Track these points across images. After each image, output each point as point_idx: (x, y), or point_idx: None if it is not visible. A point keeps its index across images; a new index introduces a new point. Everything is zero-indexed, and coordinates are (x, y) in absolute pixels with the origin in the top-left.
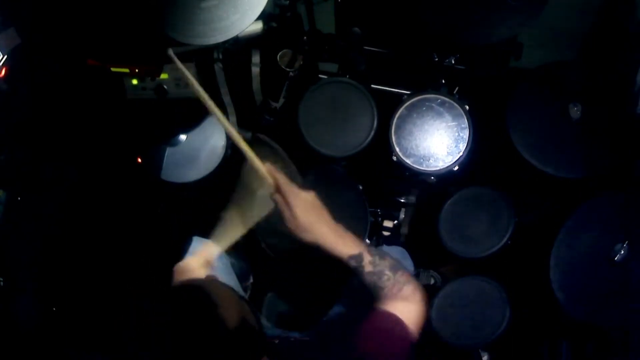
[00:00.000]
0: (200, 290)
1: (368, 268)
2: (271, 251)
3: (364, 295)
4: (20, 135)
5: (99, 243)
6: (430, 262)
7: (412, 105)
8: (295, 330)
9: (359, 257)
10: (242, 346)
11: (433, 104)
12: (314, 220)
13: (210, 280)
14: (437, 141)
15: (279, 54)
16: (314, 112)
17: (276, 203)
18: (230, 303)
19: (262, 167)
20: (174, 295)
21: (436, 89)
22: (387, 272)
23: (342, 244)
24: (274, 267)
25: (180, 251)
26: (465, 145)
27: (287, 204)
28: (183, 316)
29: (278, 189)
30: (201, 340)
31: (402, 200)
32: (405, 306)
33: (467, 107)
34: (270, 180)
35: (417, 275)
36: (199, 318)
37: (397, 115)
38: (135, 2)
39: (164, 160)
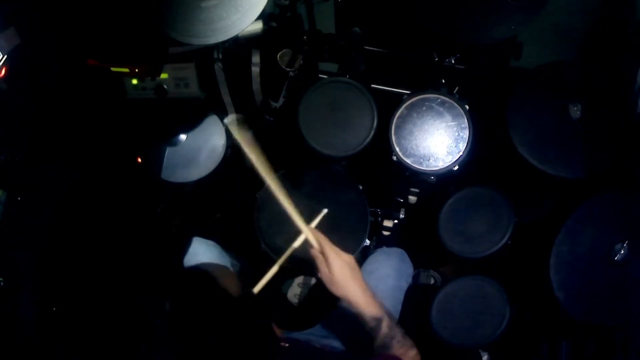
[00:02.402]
0: (211, 289)
1: (384, 330)
2: (272, 252)
3: None
4: (20, 135)
5: (99, 243)
6: (430, 262)
7: (412, 105)
8: (295, 331)
9: (379, 319)
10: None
11: (433, 104)
12: (349, 279)
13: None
14: (437, 141)
15: (279, 54)
16: (314, 112)
17: (315, 259)
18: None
19: (306, 230)
20: (185, 294)
21: (436, 89)
22: (399, 337)
23: (368, 304)
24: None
25: (181, 251)
26: (465, 145)
27: (327, 262)
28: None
29: (320, 248)
30: (210, 341)
31: (402, 200)
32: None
33: (467, 107)
34: (314, 241)
35: (417, 275)
36: (209, 319)
37: (397, 115)
38: (135, 2)
39: (164, 160)
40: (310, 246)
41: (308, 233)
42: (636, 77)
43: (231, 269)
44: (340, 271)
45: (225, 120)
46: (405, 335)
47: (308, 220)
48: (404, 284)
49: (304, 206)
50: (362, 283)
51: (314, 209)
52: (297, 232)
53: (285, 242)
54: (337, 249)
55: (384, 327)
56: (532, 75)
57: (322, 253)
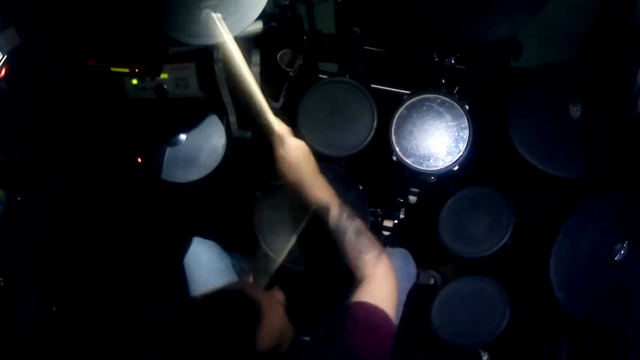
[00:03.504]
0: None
1: (333, 220)
2: (272, 252)
3: None
4: (20, 135)
5: (99, 243)
6: (430, 262)
7: (412, 105)
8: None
9: (327, 206)
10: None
11: (433, 104)
12: (302, 163)
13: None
14: (437, 141)
15: (279, 54)
16: (314, 112)
17: (273, 143)
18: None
19: (269, 111)
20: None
21: (436, 89)
22: (351, 233)
23: (317, 189)
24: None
25: (181, 251)
26: (465, 145)
27: (283, 143)
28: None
29: (278, 132)
30: (210, 341)
31: (402, 200)
32: (377, 289)
33: (467, 107)
34: (274, 123)
35: (417, 275)
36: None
37: (397, 115)
38: (135, 2)
39: (164, 160)
40: (271, 131)
41: (272, 118)
42: (636, 77)
43: (231, 268)
44: (295, 152)
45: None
46: (359, 232)
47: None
48: (407, 285)
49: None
50: (314, 167)
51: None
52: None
53: (284, 242)
54: (291, 133)
55: (332, 217)
56: (532, 75)
57: (279, 135)
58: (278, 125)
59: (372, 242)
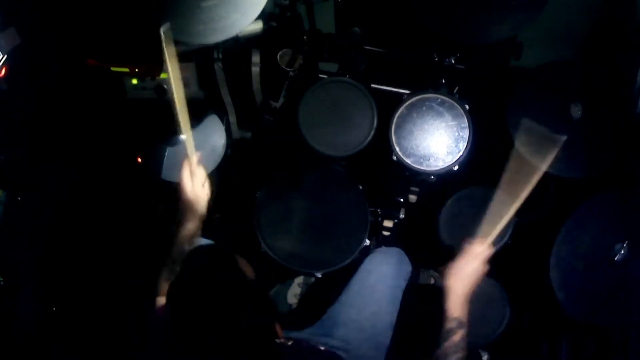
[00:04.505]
0: (217, 281)
1: (457, 338)
2: (272, 252)
3: (362, 295)
4: (20, 135)
5: (99, 243)
6: (430, 262)
7: (412, 104)
8: (295, 330)
9: (461, 325)
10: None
11: (433, 104)
12: (470, 278)
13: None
14: (437, 141)
15: (279, 53)
16: (314, 112)
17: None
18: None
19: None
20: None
21: (436, 89)
22: (462, 353)
23: (462, 308)
24: (274, 268)
25: None
26: (465, 144)
27: (473, 258)
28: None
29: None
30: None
31: (402, 200)
32: None
33: (467, 107)
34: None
35: (417, 275)
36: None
37: (397, 115)
38: (135, 2)
39: (164, 160)
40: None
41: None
42: (636, 77)
43: None
44: (473, 270)
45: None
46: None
47: None
48: (403, 283)
49: (304, 206)
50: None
51: (313, 209)
52: None
53: (285, 242)
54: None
55: (460, 335)
56: (532, 75)
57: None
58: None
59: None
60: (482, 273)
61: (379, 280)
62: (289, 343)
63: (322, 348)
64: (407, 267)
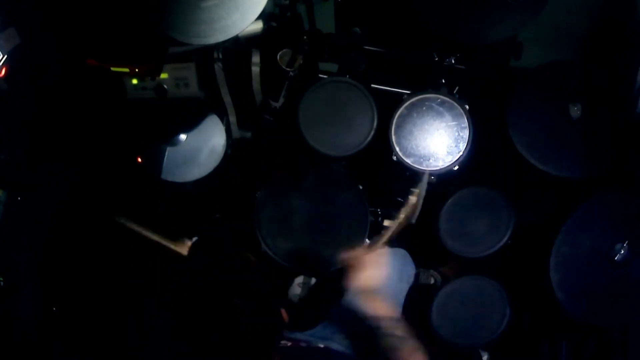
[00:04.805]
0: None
1: (398, 332)
2: (272, 252)
3: None
4: (20, 135)
5: (99, 243)
6: (430, 262)
7: (412, 104)
8: (295, 331)
9: (392, 321)
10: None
11: (433, 104)
12: (378, 284)
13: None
14: (437, 141)
15: (279, 54)
16: (314, 112)
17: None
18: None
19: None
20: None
21: (436, 89)
22: (411, 340)
23: (380, 303)
24: (274, 267)
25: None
26: (465, 145)
27: (377, 261)
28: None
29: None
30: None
31: (402, 200)
32: None
33: (467, 107)
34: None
35: (417, 275)
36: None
37: (397, 115)
38: (135, 2)
39: (164, 160)
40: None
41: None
42: (636, 77)
43: None
44: (377, 279)
45: None
46: (415, 339)
47: None
48: (406, 285)
49: (304, 206)
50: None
51: (313, 209)
52: None
53: (285, 241)
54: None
55: (398, 328)
56: (532, 75)
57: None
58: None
59: (420, 348)
60: (380, 275)
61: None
62: (289, 344)
63: (322, 345)
64: (411, 270)
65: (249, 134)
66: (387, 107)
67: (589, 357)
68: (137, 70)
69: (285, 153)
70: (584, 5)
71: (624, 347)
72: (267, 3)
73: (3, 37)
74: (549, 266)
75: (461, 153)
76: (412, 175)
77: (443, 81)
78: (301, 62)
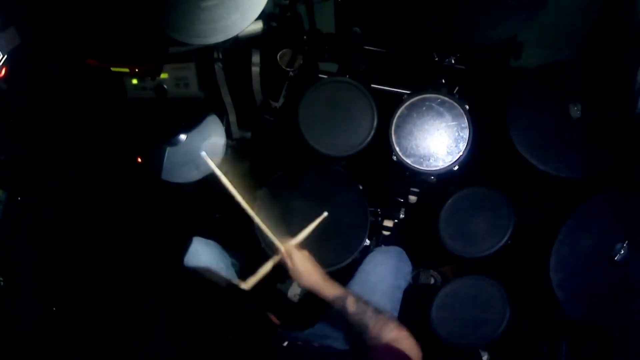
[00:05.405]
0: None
1: (352, 308)
2: (272, 252)
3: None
4: (20, 135)
5: (99, 243)
6: (430, 262)
7: (412, 105)
8: (295, 330)
9: (343, 298)
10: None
11: (433, 104)
12: (311, 270)
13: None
14: (437, 141)
15: (279, 54)
16: (314, 112)
17: (282, 259)
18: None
19: (273, 237)
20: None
21: (436, 89)
22: (370, 313)
23: (330, 287)
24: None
25: (181, 251)
26: (465, 145)
27: (292, 259)
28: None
29: (284, 249)
30: (210, 341)
31: (402, 200)
32: (399, 344)
33: (467, 107)
34: (278, 242)
35: (417, 275)
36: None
37: (397, 115)
38: (135, 2)
39: (164, 160)
40: (277, 250)
41: (274, 238)
42: (636, 77)
43: (232, 268)
44: (303, 263)
45: (202, 153)
46: (377, 310)
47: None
48: (403, 283)
49: (304, 206)
50: (321, 272)
51: (313, 209)
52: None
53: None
54: (295, 249)
55: (350, 305)
56: (532, 75)
57: (288, 254)
58: (281, 244)
59: (389, 317)
60: (306, 255)
61: (380, 281)
62: (285, 344)
63: (316, 344)
64: (407, 267)
65: (249, 134)
66: (387, 107)
67: (589, 357)
68: (137, 70)
69: (285, 153)
70: (584, 5)
71: (624, 347)
72: (267, 3)
73: (3, 37)
74: (549, 266)
75: (461, 153)
76: (412, 175)
77: (443, 81)
78: (301, 62)
